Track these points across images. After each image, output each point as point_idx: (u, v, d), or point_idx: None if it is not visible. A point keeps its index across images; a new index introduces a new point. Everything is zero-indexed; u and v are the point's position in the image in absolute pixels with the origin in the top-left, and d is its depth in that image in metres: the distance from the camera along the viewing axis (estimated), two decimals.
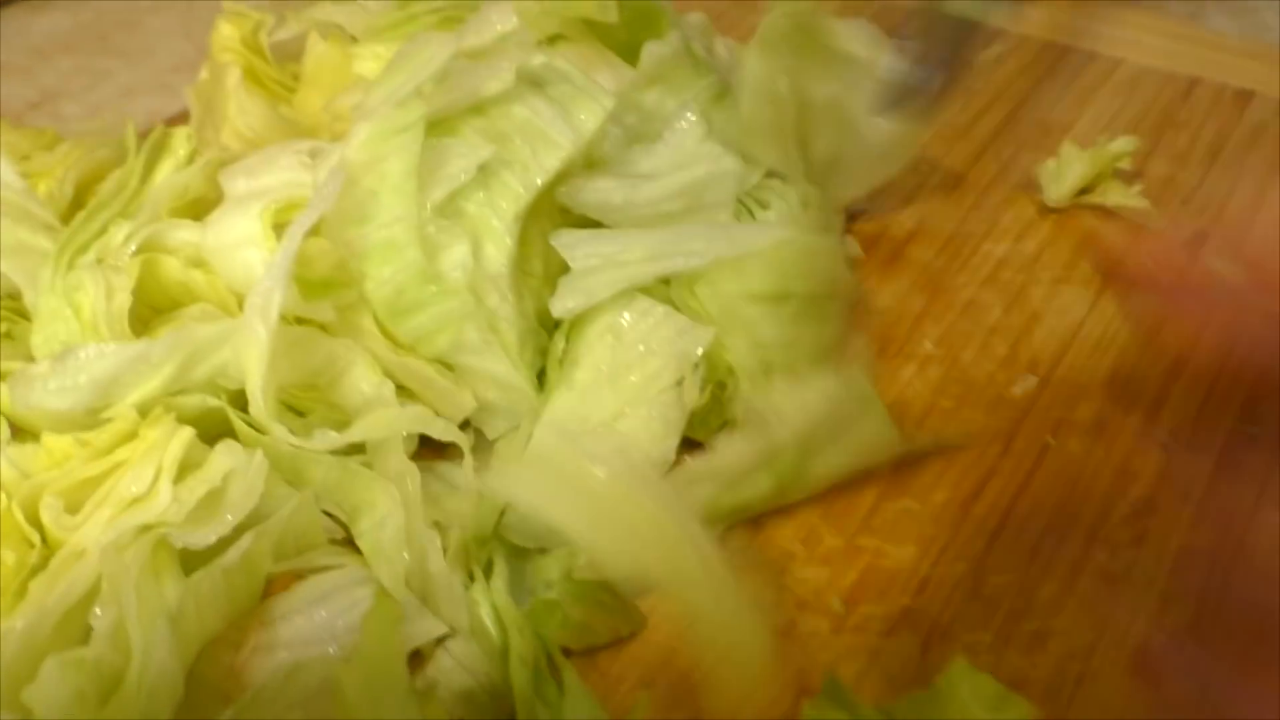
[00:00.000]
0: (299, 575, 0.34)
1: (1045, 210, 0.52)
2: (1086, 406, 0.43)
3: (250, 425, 0.35)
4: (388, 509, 0.33)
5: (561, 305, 0.36)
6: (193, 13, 0.71)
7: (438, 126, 0.35)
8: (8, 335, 0.40)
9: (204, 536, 0.31)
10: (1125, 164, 0.52)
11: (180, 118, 0.56)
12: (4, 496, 0.32)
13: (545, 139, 0.36)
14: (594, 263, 0.37)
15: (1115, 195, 0.51)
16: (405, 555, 0.32)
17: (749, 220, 0.41)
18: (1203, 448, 0.42)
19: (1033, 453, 0.42)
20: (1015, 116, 0.58)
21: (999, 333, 0.46)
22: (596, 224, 0.38)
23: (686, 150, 0.39)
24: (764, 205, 0.41)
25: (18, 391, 0.32)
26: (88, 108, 0.63)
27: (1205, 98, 0.60)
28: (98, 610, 0.29)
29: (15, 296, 0.40)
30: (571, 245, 0.37)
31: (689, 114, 0.40)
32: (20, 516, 0.31)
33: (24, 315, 0.41)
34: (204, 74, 0.48)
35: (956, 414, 0.43)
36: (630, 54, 0.43)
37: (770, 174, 0.43)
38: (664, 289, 0.38)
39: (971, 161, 0.55)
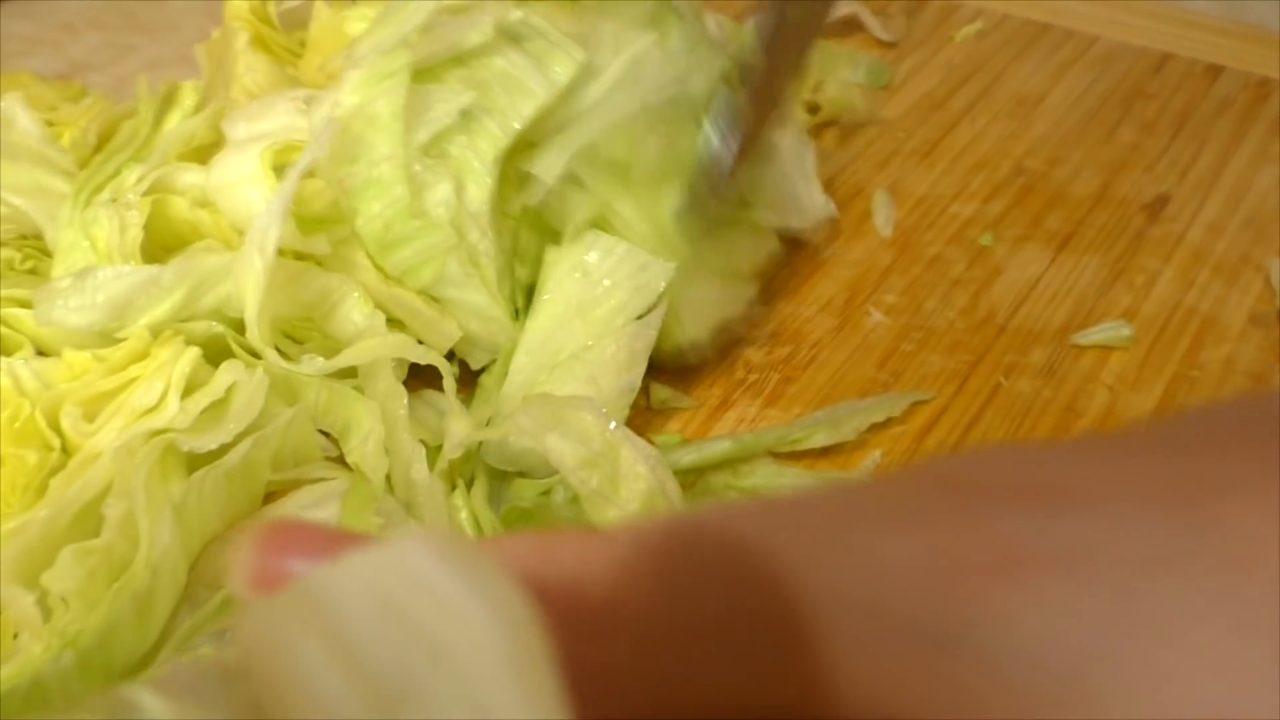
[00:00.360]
0: (296, 486, 0.38)
1: (1016, 173, 0.55)
2: (1039, 351, 0.46)
3: (247, 349, 0.38)
4: (371, 425, 0.36)
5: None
6: None
7: (422, 75, 0.38)
8: (32, 271, 0.44)
9: (207, 442, 0.34)
10: None
11: None
12: (28, 404, 0.35)
13: (522, 88, 0.39)
14: None
15: None
16: (385, 461, 0.35)
17: None
18: (1146, 389, 0.44)
19: (985, 392, 0.44)
20: (991, 89, 0.61)
21: (961, 285, 0.49)
22: None
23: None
24: None
25: (41, 307, 0.35)
26: (114, 80, 0.66)
27: (1176, 72, 0.62)
28: (110, 503, 0.33)
29: (39, 236, 0.44)
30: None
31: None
32: (43, 422, 0.35)
33: (46, 253, 0.44)
34: (215, 34, 0.51)
35: (916, 356, 0.46)
36: None
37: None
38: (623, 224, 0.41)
39: (946, 130, 0.58)
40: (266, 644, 0.14)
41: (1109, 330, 0.46)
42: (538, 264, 0.40)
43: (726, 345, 0.44)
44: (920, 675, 0.15)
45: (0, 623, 0.32)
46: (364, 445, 0.36)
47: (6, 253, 0.44)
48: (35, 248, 0.44)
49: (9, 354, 0.38)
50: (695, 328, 0.42)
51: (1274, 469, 0.15)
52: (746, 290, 0.45)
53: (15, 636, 0.32)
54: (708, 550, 0.17)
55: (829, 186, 0.53)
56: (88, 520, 0.34)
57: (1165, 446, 0.17)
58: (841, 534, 0.17)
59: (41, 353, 0.39)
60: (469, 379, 0.42)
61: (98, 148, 0.44)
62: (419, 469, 0.35)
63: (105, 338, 0.37)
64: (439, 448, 0.38)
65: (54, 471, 0.35)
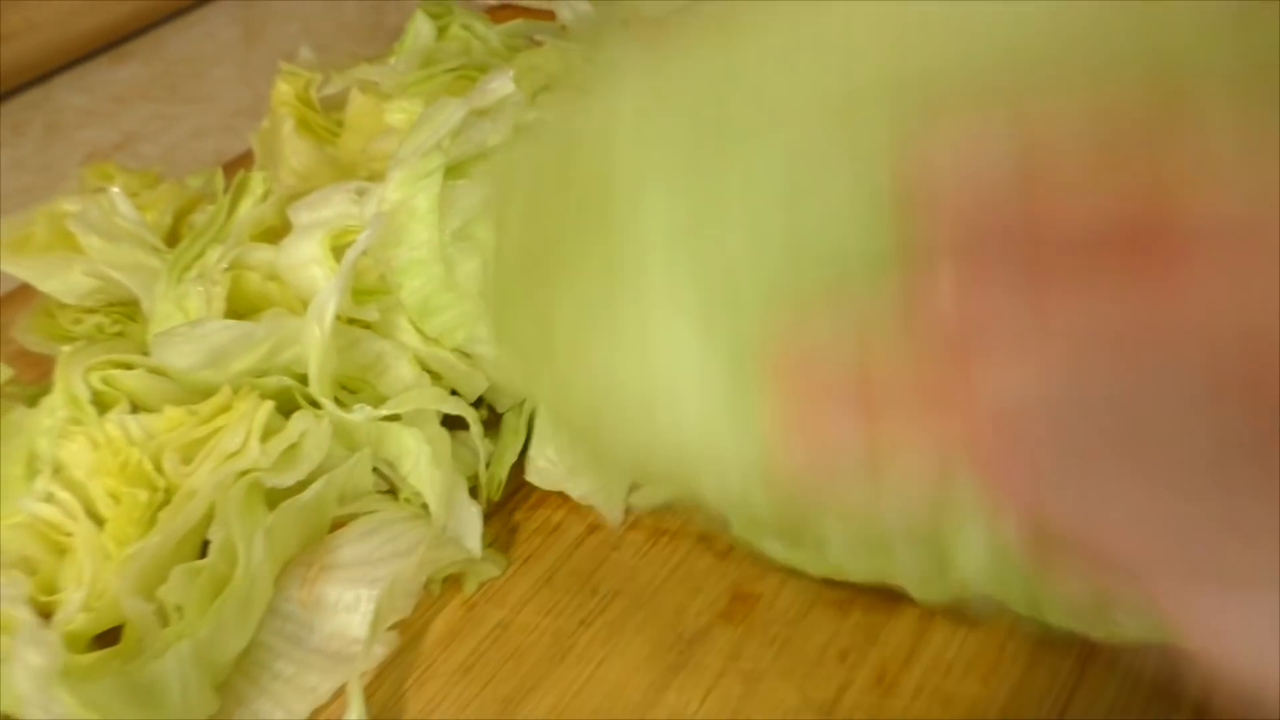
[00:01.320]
0: (354, 516, 0.45)
1: None
2: None
3: (311, 401, 0.46)
4: (419, 448, 0.44)
5: None
6: (250, 64, 0.82)
7: (453, 171, 0.45)
8: (119, 334, 0.52)
9: (285, 479, 0.42)
10: None
11: (244, 156, 0.68)
12: (137, 451, 0.42)
13: None
14: None
15: None
16: (438, 474, 0.43)
17: None
18: None
19: None
20: None
21: None
22: None
23: None
24: None
25: (158, 350, 0.43)
26: (163, 148, 0.74)
27: None
28: (213, 530, 0.40)
29: (125, 304, 0.52)
30: None
31: None
32: (149, 466, 0.42)
33: (131, 318, 0.52)
34: (265, 123, 0.59)
35: None
36: None
37: None
38: None
39: None
40: None
41: None
42: None
43: None
44: None
45: (126, 630, 0.40)
46: (417, 466, 0.44)
47: (97, 318, 0.52)
48: (122, 313, 0.52)
49: (108, 408, 0.46)
50: None
51: None
52: None
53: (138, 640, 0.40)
54: None
55: None
56: (188, 545, 0.42)
57: None
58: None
59: (136, 407, 0.47)
60: (496, 418, 0.50)
61: (173, 226, 0.52)
62: (461, 495, 0.43)
63: (194, 394, 0.45)
64: (472, 476, 0.46)
65: (160, 506, 0.42)
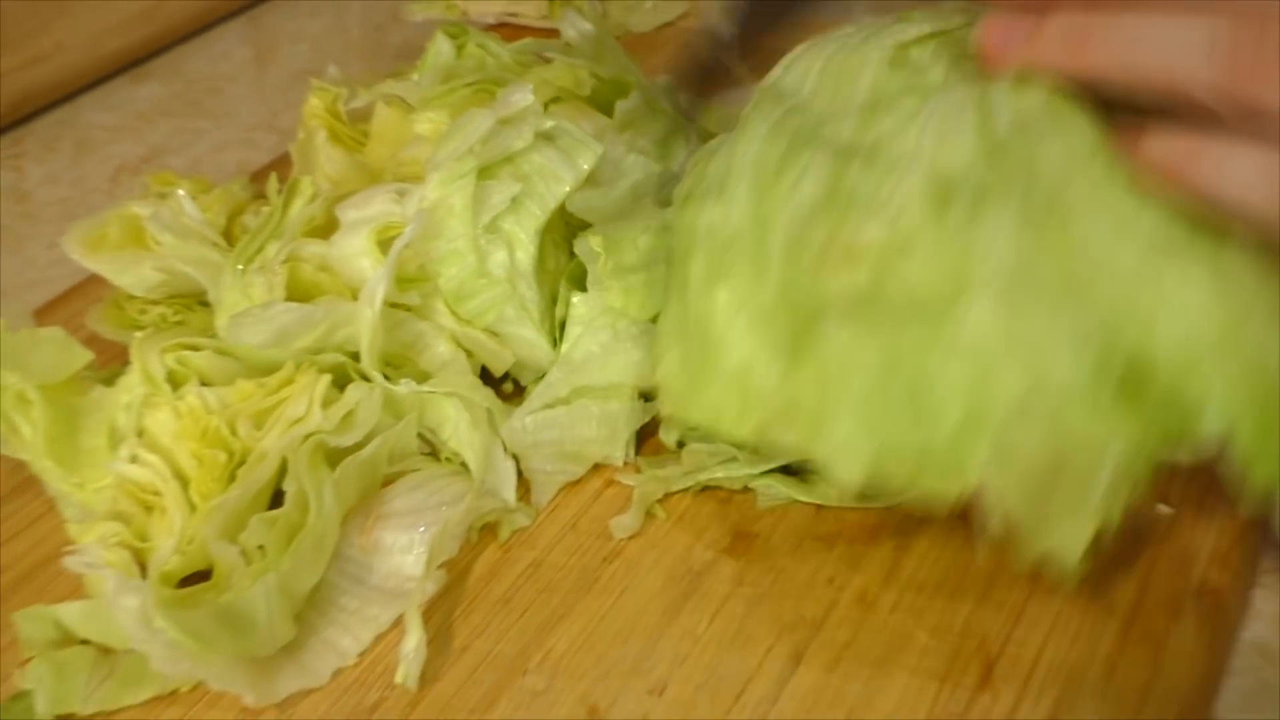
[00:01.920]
0: (401, 474, 0.52)
1: None
2: None
3: (361, 375, 0.52)
4: (458, 415, 0.50)
5: None
6: (264, 81, 0.88)
7: (483, 172, 0.52)
8: (180, 323, 0.58)
9: (345, 440, 0.49)
10: None
11: (267, 167, 0.74)
12: (215, 419, 0.49)
13: (555, 177, 0.53)
14: None
15: None
16: (476, 437, 0.49)
17: None
18: None
19: None
20: None
21: None
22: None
23: (623, 163, 0.57)
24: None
25: (233, 328, 0.49)
26: (189, 161, 0.80)
27: None
28: (287, 483, 0.47)
29: (186, 296, 0.58)
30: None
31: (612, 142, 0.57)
32: (225, 431, 0.49)
33: (191, 309, 0.58)
34: (300, 134, 0.66)
35: None
36: (608, 109, 0.61)
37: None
38: None
39: None
40: None
41: None
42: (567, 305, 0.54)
43: None
44: None
45: (216, 569, 0.46)
46: (456, 431, 0.50)
47: (160, 309, 0.58)
48: (182, 304, 0.58)
49: (179, 385, 0.52)
50: None
51: None
52: None
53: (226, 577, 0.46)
54: None
55: None
56: (262, 498, 0.48)
57: None
58: None
59: (204, 383, 0.53)
60: (519, 390, 0.56)
61: (227, 226, 0.59)
62: (497, 452, 0.50)
63: (256, 370, 0.51)
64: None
65: (237, 465, 0.49)
